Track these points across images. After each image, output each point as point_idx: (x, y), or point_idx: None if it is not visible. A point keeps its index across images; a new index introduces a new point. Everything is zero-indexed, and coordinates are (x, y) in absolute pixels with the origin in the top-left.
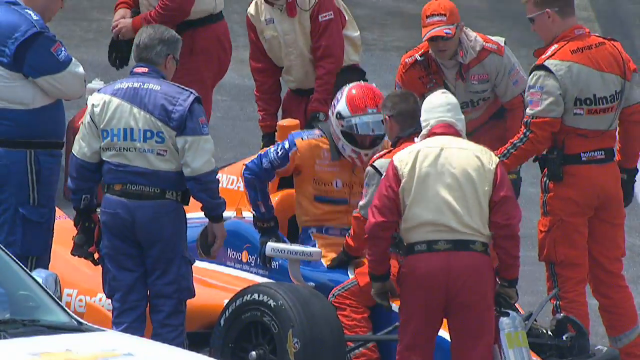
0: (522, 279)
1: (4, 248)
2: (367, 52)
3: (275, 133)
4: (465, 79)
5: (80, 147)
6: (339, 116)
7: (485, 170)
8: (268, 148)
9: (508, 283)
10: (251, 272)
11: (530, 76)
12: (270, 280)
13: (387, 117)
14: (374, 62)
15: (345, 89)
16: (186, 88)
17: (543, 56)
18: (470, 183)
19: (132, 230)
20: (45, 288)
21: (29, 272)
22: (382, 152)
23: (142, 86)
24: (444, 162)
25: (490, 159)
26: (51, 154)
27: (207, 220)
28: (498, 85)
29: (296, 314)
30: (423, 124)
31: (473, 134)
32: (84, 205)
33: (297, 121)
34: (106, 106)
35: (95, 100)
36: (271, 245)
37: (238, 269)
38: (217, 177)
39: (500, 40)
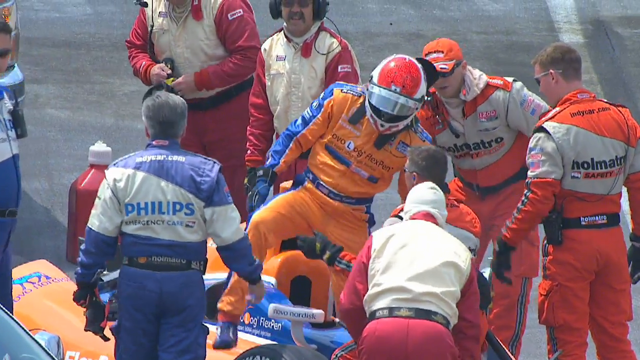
0: (526, 341)
1: (7, 311)
2: None
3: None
4: (467, 117)
5: (101, 222)
6: (370, 79)
7: (463, 260)
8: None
9: None
10: (253, 334)
11: (531, 138)
12: (273, 342)
13: (414, 174)
14: None
15: (389, 58)
16: (207, 158)
17: (544, 118)
18: (446, 263)
19: (156, 302)
20: (48, 351)
21: (32, 335)
22: None
23: (166, 159)
24: (422, 241)
25: (467, 252)
26: None
27: (212, 282)
28: (514, 121)
29: None
30: (404, 212)
31: (497, 189)
32: (94, 280)
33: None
34: (131, 180)
35: (117, 174)
36: (274, 306)
37: (240, 330)
38: (248, 242)
39: (509, 79)
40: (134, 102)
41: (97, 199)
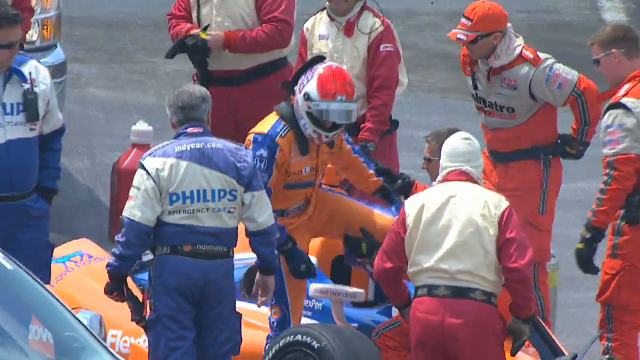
0: (567, 320)
1: (50, 291)
2: (411, 93)
3: None
4: (490, 80)
5: (143, 212)
6: (307, 97)
7: (492, 215)
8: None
9: (522, 320)
10: None
11: (606, 115)
12: (313, 321)
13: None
14: (417, 103)
15: (316, 70)
16: (237, 143)
17: (617, 95)
18: (474, 229)
19: (199, 291)
20: (90, 329)
21: (74, 314)
22: None
23: (206, 146)
24: (450, 209)
25: (498, 203)
26: None
27: (249, 261)
28: (540, 96)
29: (339, 355)
30: (441, 169)
31: (505, 158)
32: (131, 272)
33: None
34: (174, 169)
35: (158, 164)
36: (315, 286)
37: None
38: (277, 228)
39: (543, 55)
40: (175, 82)
41: (134, 190)
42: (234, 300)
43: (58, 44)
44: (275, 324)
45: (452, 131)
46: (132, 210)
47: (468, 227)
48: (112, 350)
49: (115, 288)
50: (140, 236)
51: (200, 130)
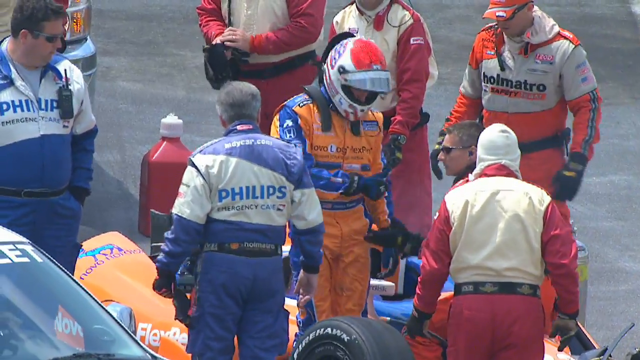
0: (597, 313)
1: (80, 283)
2: (441, 86)
3: None
4: (528, 54)
5: (192, 209)
6: (342, 70)
7: (536, 211)
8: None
9: (567, 316)
10: None
11: None
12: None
13: (474, 147)
14: (447, 96)
15: (347, 44)
16: (287, 140)
17: None
18: (520, 226)
19: (248, 289)
20: (120, 322)
21: (104, 307)
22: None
23: (255, 143)
24: (494, 206)
25: (541, 198)
26: None
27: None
28: (565, 76)
29: (369, 348)
30: (478, 161)
31: (526, 148)
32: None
33: None
34: (224, 166)
35: (208, 161)
36: None
37: None
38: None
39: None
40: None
41: (183, 187)
42: (283, 297)
43: (88, 37)
44: (301, 324)
45: (474, 124)
46: (182, 207)
47: (514, 224)
48: (141, 343)
49: (164, 285)
50: (189, 233)
51: (250, 127)
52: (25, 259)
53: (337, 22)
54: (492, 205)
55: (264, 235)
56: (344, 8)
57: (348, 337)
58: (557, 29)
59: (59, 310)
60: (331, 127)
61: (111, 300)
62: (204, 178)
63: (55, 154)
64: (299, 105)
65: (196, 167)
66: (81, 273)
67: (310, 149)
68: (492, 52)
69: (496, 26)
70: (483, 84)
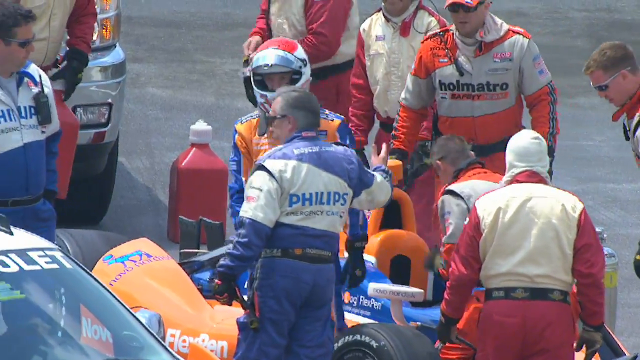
0: (627, 320)
1: (109, 290)
2: None
3: (364, 151)
4: (479, 55)
5: (266, 213)
6: (249, 65)
7: (569, 218)
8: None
9: (593, 328)
10: (353, 313)
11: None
12: (373, 321)
13: (438, 162)
14: None
15: None
16: (341, 143)
17: None
18: (553, 233)
19: (307, 295)
20: (149, 328)
21: (133, 313)
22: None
23: (322, 149)
24: (527, 212)
25: (574, 205)
26: None
27: None
28: (523, 72)
29: (398, 355)
30: (508, 167)
31: (495, 148)
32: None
33: (399, 162)
34: (297, 171)
35: (280, 166)
36: (374, 285)
37: None
38: None
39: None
40: (234, 81)
41: (255, 191)
42: (330, 307)
43: (117, 44)
44: None
45: (450, 138)
46: (255, 211)
47: (547, 231)
48: (170, 350)
49: (226, 289)
50: (261, 237)
51: (314, 134)
52: (55, 266)
53: (364, 29)
54: (524, 211)
55: (325, 242)
56: (370, 15)
57: (377, 344)
58: (506, 26)
59: (88, 317)
60: (264, 130)
61: (140, 307)
62: (277, 182)
63: (37, 160)
64: (241, 121)
65: (269, 171)
66: (110, 279)
67: (252, 164)
68: (445, 60)
69: (442, 33)
70: (440, 91)
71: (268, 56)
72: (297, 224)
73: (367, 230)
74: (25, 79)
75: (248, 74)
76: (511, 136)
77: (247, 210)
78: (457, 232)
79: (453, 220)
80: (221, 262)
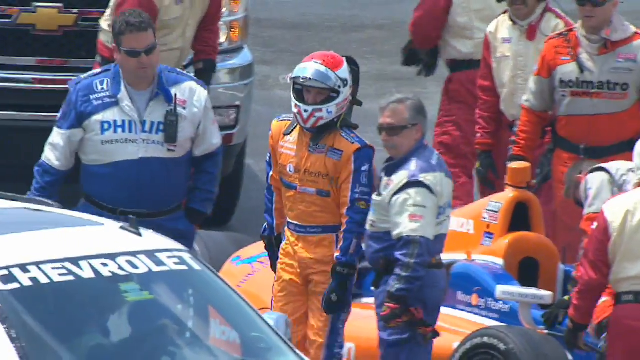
0: None
1: (237, 291)
2: None
3: (492, 153)
4: (603, 53)
5: (432, 231)
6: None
7: None
8: None
9: None
10: (481, 315)
11: None
12: (500, 324)
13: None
14: None
15: None
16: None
17: None
18: None
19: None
20: (277, 330)
21: (261, 315)
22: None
23: (439, 157)
24: None
25: None
26: None
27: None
28: None
29: (527, 358)
30: (636, 170)
31: (605, 152)
32: None
33: (528, 164)
34: (443, 183)
35: (433, 180)
36: (502, 288)
37: (468, 312)
38: None
39: None
40: (364, 83)
41: (420, 209)
42: None
43: (245, 46)
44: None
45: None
46: (425, 230)
47: None
48: (298, 352)
49: (403, 312)
50: (431, 254)
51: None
52: (183, 267)
53: (490, 31)
54: None
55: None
56: (497, 17)
57: (505, 347)
58: (633, 28)
59: (216, 318)
60: (292, 132)
61: (268, 308)
62: (436, 197)
63: (155, 177)
64: (278, 119)
65: (428, 187)
66: (238, 281)
67: (279, 165)
68: (568, 57)
69: (565, 32)
70: (559, 89)
71: (308, 69)
72: (439, 232)
73: (356, 258)
74: (161, 95)
75: (289, 81)
76: (625, 141)
77: (417, 230)
78: (598, 200)
79: (593, 188)
80: (396, 286)
